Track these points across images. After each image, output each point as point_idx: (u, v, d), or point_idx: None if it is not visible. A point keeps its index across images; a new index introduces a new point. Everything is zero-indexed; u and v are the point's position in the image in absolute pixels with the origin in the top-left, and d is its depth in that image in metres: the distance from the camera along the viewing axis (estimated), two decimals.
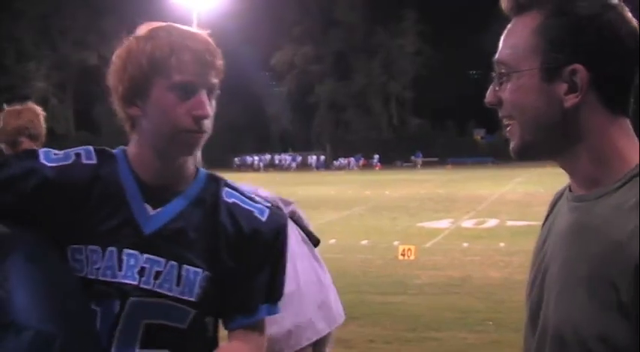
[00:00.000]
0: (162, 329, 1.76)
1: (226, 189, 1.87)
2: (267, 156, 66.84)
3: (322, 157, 65.66)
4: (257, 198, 1.90)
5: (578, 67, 1.28)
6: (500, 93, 1.36)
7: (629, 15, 1.33)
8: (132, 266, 1.74)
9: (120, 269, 1.74)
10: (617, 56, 1.30)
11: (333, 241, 14.76)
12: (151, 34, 1.74)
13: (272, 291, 1.88)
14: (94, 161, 1.80)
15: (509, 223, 17.79)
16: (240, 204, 1.85)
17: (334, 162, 63.72)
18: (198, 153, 1.84)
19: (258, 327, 1.89)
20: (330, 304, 3.25)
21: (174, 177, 1.81)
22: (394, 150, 65.36)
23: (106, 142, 2.11)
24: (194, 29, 1.79)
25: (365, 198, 26.66)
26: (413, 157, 61.11)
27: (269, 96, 71.83)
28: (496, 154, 57.90)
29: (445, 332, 7.71)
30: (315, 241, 3.37)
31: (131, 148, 1.83)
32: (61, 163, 1.78)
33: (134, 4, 49.55)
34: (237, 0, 53.29)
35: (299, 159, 67.25)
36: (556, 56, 1.30)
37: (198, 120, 1.73)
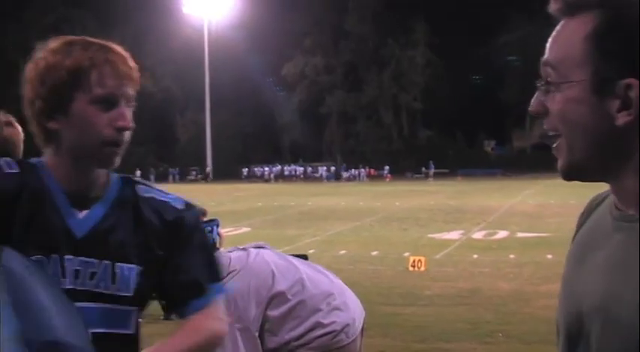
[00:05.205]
0: (111, 339, 1.79)
1: (140, 186, 1.93)
2: (278, 167, 66.78)
3: (332, 168, 65.61)
4: (166, 191, 1.99)
5: (634, 82, 1.12)
6: (547, 102, 1.22)
7: None
8: (71, 272, 1.77)
9: (64, 276, 1.76)
10: None
11: (343, 252, 14.75)
12: (68, 48, 1.77)
13: (214, 271, 1.95)
14: (16, 170, 1.81)
15: (520, 235, 17.72)
16: (157, 197, 1.93)
17: (344, 173, 63.67)
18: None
19: (216, 308, 1.92)
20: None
21: (91, 185, 1.85)
22: (404, 161, 65.24)
23: None
24: (109, 43, 1.82)
25: (375, 209, 26.60)
26: (424, 169, 60.93)
27: (279, 107, 71.90)
28: (506, 166, 57.80)
29: (455, 344, 7.69)
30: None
31: (48, 159, 1.84)
32: None
33: (146, 15, 49.70)
34: (248, 11, 53.53)
35: (309, 170, 67.25)
36: (609, 68, 1.14)
37: (120, 131, 1.78)
